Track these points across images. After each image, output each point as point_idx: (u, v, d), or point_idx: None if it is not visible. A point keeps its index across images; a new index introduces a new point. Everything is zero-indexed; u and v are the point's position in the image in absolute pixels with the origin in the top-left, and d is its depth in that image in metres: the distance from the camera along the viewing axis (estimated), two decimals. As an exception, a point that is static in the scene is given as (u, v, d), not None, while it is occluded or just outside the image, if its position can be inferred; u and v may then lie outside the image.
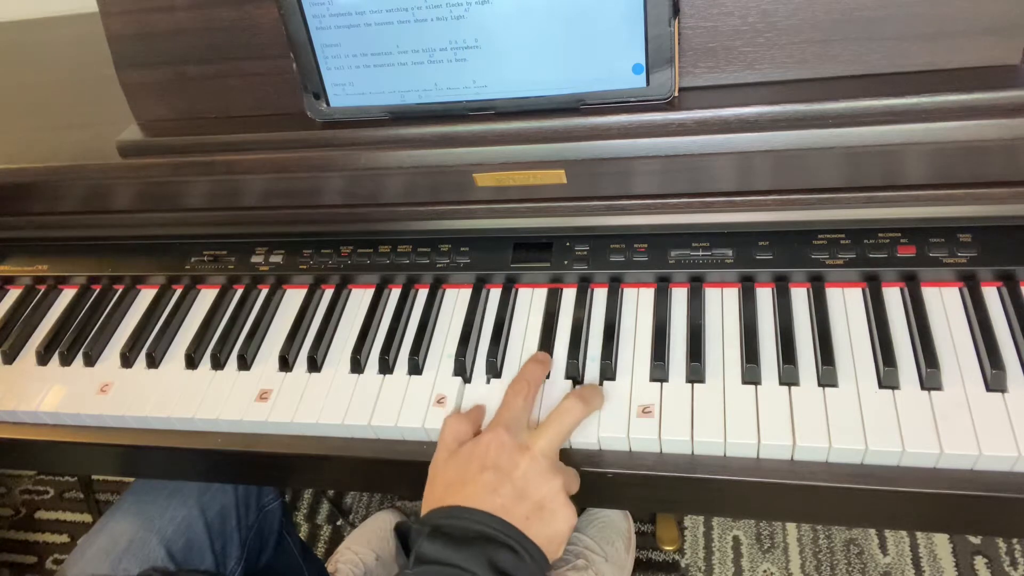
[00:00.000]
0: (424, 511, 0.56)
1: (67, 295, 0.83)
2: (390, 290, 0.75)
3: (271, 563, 0.94)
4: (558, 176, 0.66)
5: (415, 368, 0.67)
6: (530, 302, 0.71)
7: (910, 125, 0.58)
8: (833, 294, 0.65)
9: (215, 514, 0.84)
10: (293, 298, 0.77)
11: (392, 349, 0.69)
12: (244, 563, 0.87)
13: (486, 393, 0.65)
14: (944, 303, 0.63)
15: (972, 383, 0.58)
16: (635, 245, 0.69)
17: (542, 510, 0.55)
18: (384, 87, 0.66)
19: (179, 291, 0.79)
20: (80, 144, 0.77)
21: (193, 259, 0.80)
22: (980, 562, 1.16)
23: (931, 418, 0.56)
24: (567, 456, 0.61)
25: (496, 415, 0.59)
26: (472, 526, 0.53)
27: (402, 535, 0.56)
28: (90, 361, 0.75)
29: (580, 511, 1.21)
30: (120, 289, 0.81)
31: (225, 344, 0.73)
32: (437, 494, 0.56)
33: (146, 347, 0.74)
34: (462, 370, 0.66)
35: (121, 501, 0.83)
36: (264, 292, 0.78)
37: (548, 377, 0.64)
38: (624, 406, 0.61)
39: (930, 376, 0.58)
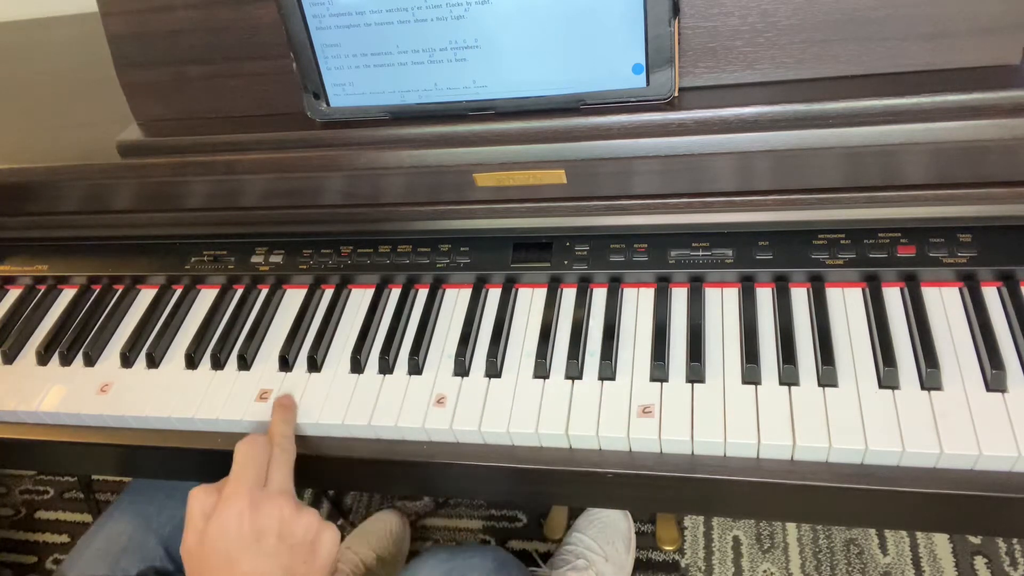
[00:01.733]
0: None
1: (67, 295, 0.83)
2: (390, 290, 0.75)
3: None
4: (558, 176, 0.66)
5: (415, 368, 0.67)
6: (530, 302, 0.71)
7: (910, 125, 0.58)
8: (833, 294, 0.65)
9: None
10: (293, 298, 0.77)
11: (392, 349, 0.69)
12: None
13: (486, 393, 0.65)
14: (944, 303, 0.63)
15: (972, 383, 0.58)
16: (635, 245, 0.69)
17: (312, 546, 0.56)
18: (384, 87, 0.66)
19: (179, 291, 0.79)
20: (80, 144, 0.77)
21: (193, 259, 0.80)
22: (980, 562, 1.16)
23: (931, 418, 0.56)
24: (568, 458, 0.61)
25: (232, 475, 0.57)
26: None
27: None
28: (90, 361, 0.75)
29: (580, 511, 1.22)
30: (120, 289, 0.81)
31: (225, 344, 0.73)
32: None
33: (146, 347, 0.74)
34: (462, 370, 0.66)
35: (119, 501, 0.83)
36: (264, 292, 0.78)
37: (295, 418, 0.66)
38: (624, 406, 0.61)
39: (930, 376, 0.58)
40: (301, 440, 0.67)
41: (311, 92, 0.68)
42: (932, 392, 0.58)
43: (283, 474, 0.59)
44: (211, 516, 0.55)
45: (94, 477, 1.45)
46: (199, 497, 0.57)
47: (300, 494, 1.47)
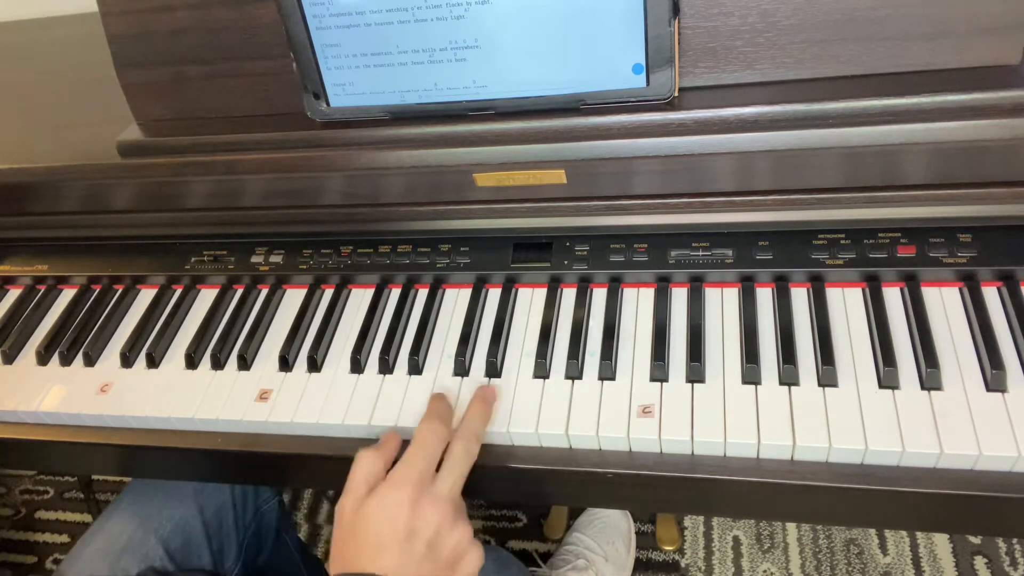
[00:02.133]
0: (335, 567, 0.55)
1: (67, 295, 0.83)
2: (390, 290, 0.75)
3: (270, 563, 0.94)
4: (558, 176, 0.66)
5: (415, 368, 0.67)
6: (530, 302, 0.71)
7: (910, 125, 0.58)
8: (833, 294, 0.65)
9: (212, 514, 0.84)
10: (293, 298, 0.77)
11: (392, 349, 0.69)
12: (242, 563, 0.87)
13: (486, 393, 0.65)
14: (944, 303, 0.63)
15: (972, 383, 0.58)
16: (635, 245, 0.69)
17: (454, 565, 0.55)
18: (384, 87, 0.66)
19: (179, 291, 0.79)
20: (80, 144, 0.77)
21: (193, 259, 0.80)
22: (980, 562, 1.16)
23: (931, 418, 0.56)
24: (568, 458, 0.61)
25: (407, 458, 0.56)
26: None
27: None
28: (90, 361, 0.75)
29: (580, 511, 1.22)
30: (120, 289, 0.81)
31: (225, 344, 0.73)
32: (349, 555, 0.54)
33: (146, 347, 0.74)
34: (462, 370, 0.66)
35: (118, 501, 0.82)
36: (264, 292, 0.78)
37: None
38: (624, 406, 0.61)
39: (930, 376, 0.58)
40: (300, 440, 0.67)
41: (311, 92, 0.68)
42: (932, 392, 0.58)
43: (456, 476, 0.57)
44: (374, 491, 0.55)
45: (94, 477, 1.45)
46: (365, 462, 0.56)
47: (299, 495, 1.47)
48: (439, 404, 0.62)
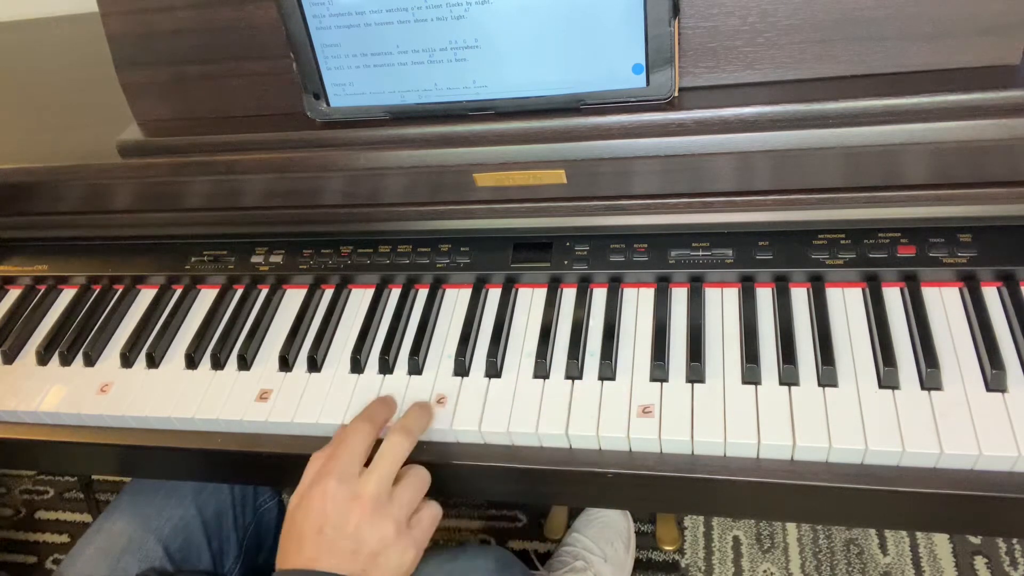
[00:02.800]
0: (278, 564, 0.56)
1: (67, 295, 0.83)
2: (390, 290, 0.75)
3: (270, 562, 0.93)
4: (558, 176, 0.66)
5: (415, 368, 0.67)
6: (530, 302, 0.71)
7: (910, 125, 0.58)
8: (833, 294, 0.65)
9: (212, 514, 0.84)
10: (293, 298, 0.77)
11: (392, 349, 0.69)
12: (242, 563, 0.87)
13: (486, 393, 0.65)
14: (944, 303, 0.63)
15: (972, 383, 0.58)
16: (635, 245, 0.69)
17: (376, 557, 0.55)
18: (384, 87, 0.66)
19: (179, 291, 0.79)
20: (80, 144, 0.77)
21: (193, 259, 0.80)
22: (980, 562, 1.16)
23: (931, 418, 0.56)
24: (568, 458, 0.61)
25: (331, 457, 0.58)
26: None
27: None
28: (90, 361, 0.75)
29: (580, 511, 1.22)
30: (120, 289, 0.81)
31: (225, 344, 0.73)
32: (284, 550, 0.56)
33: (146, 347, 0.74)
34: (462, 370, 0.66)
35: (117, 501, 0.82)
36: (264, 292, 0.78)
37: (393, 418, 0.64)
38: (624, 406, 0.61)
39: (930, 376, 0.58)
40: (300, 440, 0.67)
41: (311, 92, 0.68)
42: (932, 392, 0.58)
43: (381, 472, 0.57)
44: (311, 485, 0.57)
45: (94, 477, 1.45)
46: (314, 460, 0.59)
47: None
48: (374, 406, 0.63)
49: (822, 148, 0.60)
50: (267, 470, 0.71)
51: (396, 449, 0.58)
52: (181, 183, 0.74)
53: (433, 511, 0.59)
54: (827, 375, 0.59)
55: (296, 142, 0.69)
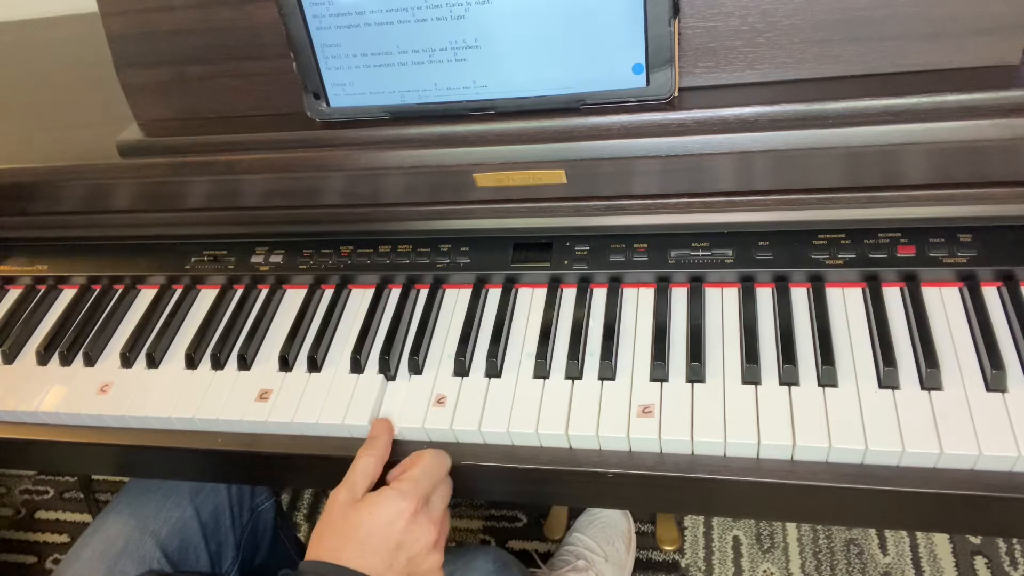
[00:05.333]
0: (311, 553, 0.57)
1: (67, 295, 0.83)
2: (390, 290, 0.75)
3: (267, 563, 0.93)
4: (558, 176, 0.66)
5: (415, 368, 0.67)
6: (530, 302, 0.71)
7: (910, 125, 0.58)
8: (833, 294, 0.65)
9: (209, 515, 0.84)
10: (293, 298, 0.77)
11: (392, 349, 0.69)
12: (239, 563, 0.87)
13: (486, 393, 0.65)
14: (944, 303, 0.63)
15: (972, 383, 0.58)
16: (635, 245, 0.69)
17: (410, 562, 0.57)
18: (384, 87, 0.66)
19: (179, 291, 0.79)
20: (80, 144, 0.77)
21: (193, 259, 0.80)
22: (980, 562, 1.16)
23: (931, 418, 0.56)
24: (568, 458, 0.61)
25: (416, 476, 0.59)
26: None
27: None
28: (90, 361, 0.75)
29: (580, 511, 1.22)
30: (120, 289, 0.81)
31: (225, 344, 0.73)
32: (330, 545, 0.56)
33: (146, 347, 0.74)
34: (462, 370, 0.66)
35: (115, 502, 0.82)
36: (264, 292, 0.78)
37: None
38: (624, 406, 0.61)
39: (930, 376, 0.58)
40: (300, 440, 0.67)
41: (311, 92, 0.68)
42: (932, 392, 0.58)
43: (444, 502, 0.61)
44: (377, 492, 0.58)
45: (94, 477, 1.45)
46: (368, 460, 0.60)
47: (299, 495, 1.47)
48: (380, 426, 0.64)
49: (822, 148, 0.60)
50: (267, 470, 0.71)
51: (449, 489, 0.63)
52: (181, 183, 0.74)
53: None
54: (827, 375, 0.59)
55: (296, 142, 0.69)
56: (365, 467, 0.60)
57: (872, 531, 1.21)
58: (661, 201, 0.66)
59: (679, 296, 0.68)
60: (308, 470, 0.70)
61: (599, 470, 0.60)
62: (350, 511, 0.57)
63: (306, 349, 0.71)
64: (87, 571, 0.75)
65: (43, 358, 0.76)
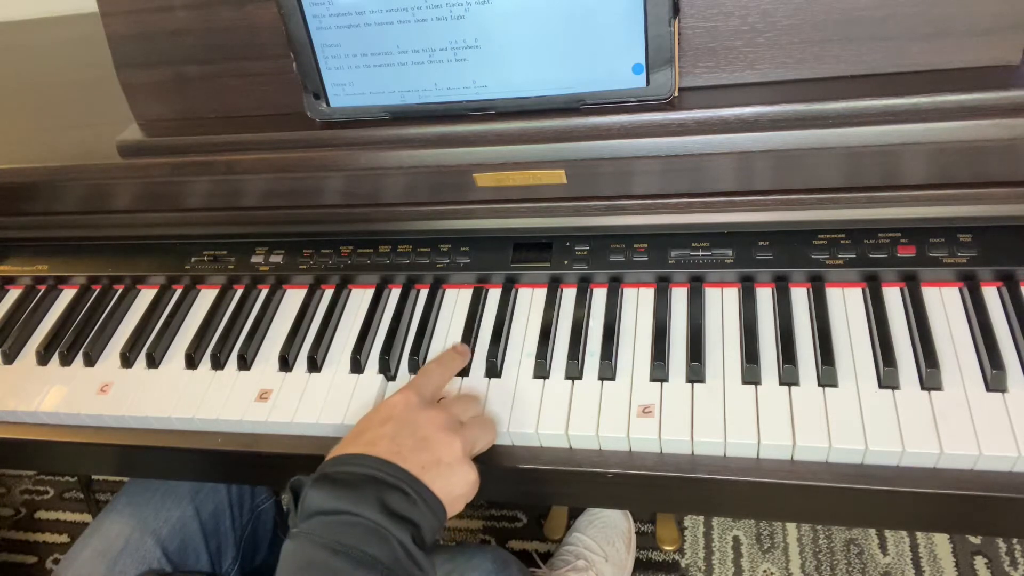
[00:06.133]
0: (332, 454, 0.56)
1: (67, 295, 0.83)
2: (390, 290, 0.75)
3: (268, 562, 0.93)
4: (558, 176, 0.66)
5: (415, 368, 0.67)
6: (530, 302, 0.71)
7: (910, 125, 0.58)
8: (833, 294, 0.65)
9: (209, 514, 0.84)
10: (293, 298, 0.77)
11: (392, 349, 0.69)
12: (240, 563, 0.87)
13: (486, 393, 0.65)
14: (944, 303, 0.63)
15: (972, 383, 0.58)
16: (635, 245, 0.69)
17: (439, 464, 0.54)
18: (384, 87, 0.66)
19: (179, 291, 0.79)
20: (80, 144, 0.77)
21: (193, 259, 0.80)
22: (980, 562, 1.16)
23: (931, 418, 0.56)
24: (568, 458, 0.61)
25: (425, 369, 0.62)
26: (361, 470, 0.51)
27: (295, 492, 0.54)
28: (90, 361, 0.75)
29: (580, 511, 1.22)
30: (120, 289, 0.81)
31: (225, 344, 0.73)
32: (344, 442, 0.56)
33: (146, 347, 0.74)
34: (462, 370, 0.66)
35: (115, 502, 0.82)
36: (264, 292, 0.78)
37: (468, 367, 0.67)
38: (624, 406, 0.61)
39: (930, 376, 0.58)
40: (300, 440, 0.67)
41: (311, 92, 0.68)
42: (932, 392, 0.58)
43: (460, 405, 0.61)
44: (389, 398, 0.59)
45: (94, 477, 1.45)
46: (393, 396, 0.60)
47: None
48: (449, 353, 0.66)
49: (822, 148, 0.60)
50: (267, 470, 0.71)
51: (470, 399, 0.63)
52: (181, 183, 0.74)
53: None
54: (827, 375, 0.59)
55: (296, 142, 0.69)
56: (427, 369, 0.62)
57: (872, 531, 1.21)
58: (661, 201, 0.66)
59: (679, 296, 0.68)
60: (308, 470, 0.70)
61: (599, 470, 0.60)
62: (361, 419, 0.58)
63: (306, 349, 0.71)
64: (87, 571, 0.75)
65: (43, 358, 0.76)
